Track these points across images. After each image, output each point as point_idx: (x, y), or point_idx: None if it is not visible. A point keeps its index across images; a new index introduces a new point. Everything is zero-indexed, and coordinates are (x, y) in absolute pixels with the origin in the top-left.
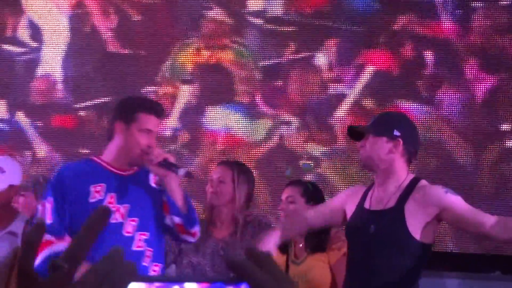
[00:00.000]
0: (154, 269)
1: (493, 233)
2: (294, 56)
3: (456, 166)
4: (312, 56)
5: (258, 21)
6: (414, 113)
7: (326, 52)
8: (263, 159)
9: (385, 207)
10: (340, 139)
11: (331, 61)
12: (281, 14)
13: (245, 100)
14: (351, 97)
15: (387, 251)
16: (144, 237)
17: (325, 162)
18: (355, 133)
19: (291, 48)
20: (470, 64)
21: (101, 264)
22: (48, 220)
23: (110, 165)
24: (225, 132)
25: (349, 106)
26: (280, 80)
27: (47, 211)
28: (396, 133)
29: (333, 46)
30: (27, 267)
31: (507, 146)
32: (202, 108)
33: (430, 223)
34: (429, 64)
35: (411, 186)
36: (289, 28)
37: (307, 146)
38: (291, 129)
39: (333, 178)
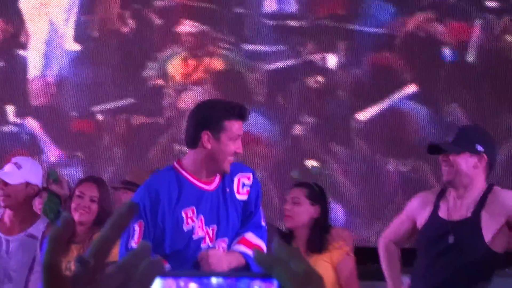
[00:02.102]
0: None
1: None
2: (309, 57)
3: None
4: (326, 57)
5: (270, 21)
6: (428, 115)
7: (341, 53)
8: (275, 160)
9: (462, 217)
10: (355, 142)
11: (345, 62)
12: (295, 14)
13: (259, 101)
14: (366, 99)
15: (463, 261)
16: None
17: (336, 165)
18: (433, 148)
19: (307, 49)
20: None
21: (127, 259)
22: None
23: (194, 176)
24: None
25: (364, 109)
26: (294, 82)
27: (136, 234)
28: (479, 148)
29: (348, 48)
30: (53, 263)
31: None
32: None
33: (503, 231)
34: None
35: (486, 194)
36: (303, 29)
37: (318, 149)
38: (304, 131)
39: (344, 181)
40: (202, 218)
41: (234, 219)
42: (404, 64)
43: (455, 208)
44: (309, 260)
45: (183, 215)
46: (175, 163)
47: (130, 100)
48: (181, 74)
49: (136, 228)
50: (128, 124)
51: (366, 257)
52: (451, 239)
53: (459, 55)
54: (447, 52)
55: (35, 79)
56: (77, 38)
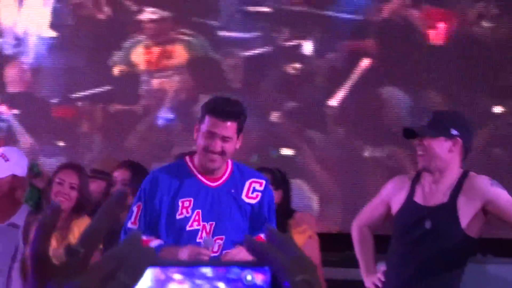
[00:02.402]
0: None
1: None
2: (285, 44)
3: None
4: (302, 44)
5: (246, 8)
6: (404, 100)
7: (317, 40)
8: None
9: (439, 202)
10: (329, 126)
11: (322, 48)
12: (272, 2)
13: (235, 88)
14: (341, 84)
15: (440, 247)
16: None
17: (311, 151)
18: (408, 132)
19: (283, 35)
20: (459, 48)
21: (118, 248)
22: (133, 224)
23: (200, 171)
24: None
25: (338, 94)
26: (270, 68)
27: (133, 215)
28: (454, 132)
29: (323, 34)
30: (42, 250)
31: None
32: (196, 98)
33: (478, 217)
34: (419, 51)
35: (461, 180)
36: (281, 15)
37: (294, 135)
38: (277, 117)
39: (315, 167)
40: (200, 212)
41: (239, 221)
42: (380, 50)
43: (431, 193)
44: None
45: (180, 204)
46: (186, 157)
47: (107, 87)
48: (156, 61)
49: (135, 209)
50: (105, 111)
51: (342, 244)
52: (428, 225)
53: (434, 40)
54: (423, 37)
55: (10, 66)
56: (53, 25)
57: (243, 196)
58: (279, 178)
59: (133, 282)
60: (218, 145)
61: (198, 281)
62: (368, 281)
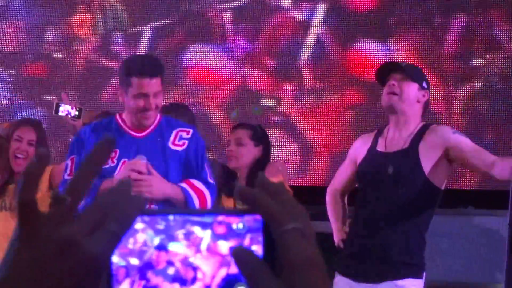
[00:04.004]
0: None
1: (496, 172)
2: None
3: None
4: None
5: None
6: (380, 51)
7: None
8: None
9: (400, 148)
10: (307, 80)
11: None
12: None
13: (217, 40)
14: (314, 36)
15: (404, 191)
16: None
17: (288, 103)
18: (381, 73)
19: None
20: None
21: (105, 196)
22: (69, 176)
23: (127, 124)
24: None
25: (313, 47)
26: (247, 22)
27: (68, 168)
28: (425, 85)
29: None
30: (28, 199)
31: (479, 83)
32: (183, 48)
33: (441, 164)
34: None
35: (423, 130)
36: None
37: (268, 87)
38: (256, 71)
39: (298, 120)
40: (126, 161)
41: (160, 165)
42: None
43: (393, 141)
44: None
45: None
46: (117, 114)
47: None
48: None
49: (69, 162)
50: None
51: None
52: (390, 170)
53: None
54: None
55: None
56: None
57: (169, 144)
58: (259, 134)
59: (122, 230)
60: (152, 103)
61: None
62: (336, 239)
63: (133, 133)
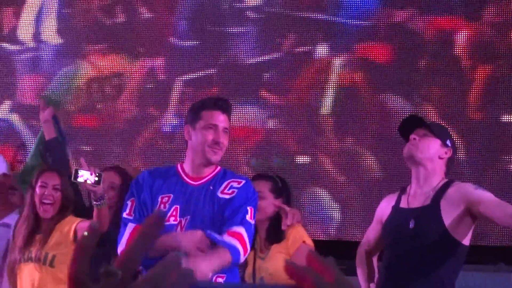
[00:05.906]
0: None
1: None
2: (292, 50)
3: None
4: (310, 50)
5: (254, 14)
6: (408, 107)
7: (324, 46)
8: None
9: (421, 204)
10: (328, 134)
11: (330, 54)
12: (279, 8)
13: (246, 93)
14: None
15: (427, 247)
16: None
17: (324, 157)
18: (406, 127)
19: (289, 41)
20: (465, 56)
21: (157, 269)
22: (128, 215)
23: (187, 173)
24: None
25: (343, 101)
26: (277, 73)
27: (128, 207)
28: (449, 143)
29: (329, 40)
30: (80, 273)
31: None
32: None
33: (465, 220)
34: (426, 57)
35: (446, 186)
36: (287, 21)
37: (290, 141)
38: (279, 122)
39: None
40: (178, 207)
41: (208, 213)
42: (389, 54)
43: (415, 197)
44: (268, 253)
45: (159, 199)
46: (178, 163)
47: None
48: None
49: (129, 203)
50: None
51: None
52: (411, 224)
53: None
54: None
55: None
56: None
57: (219, 193)
58: (279, 185)
59: None
60: (221, 136)
61: None
62: None
63: (189, 180)
